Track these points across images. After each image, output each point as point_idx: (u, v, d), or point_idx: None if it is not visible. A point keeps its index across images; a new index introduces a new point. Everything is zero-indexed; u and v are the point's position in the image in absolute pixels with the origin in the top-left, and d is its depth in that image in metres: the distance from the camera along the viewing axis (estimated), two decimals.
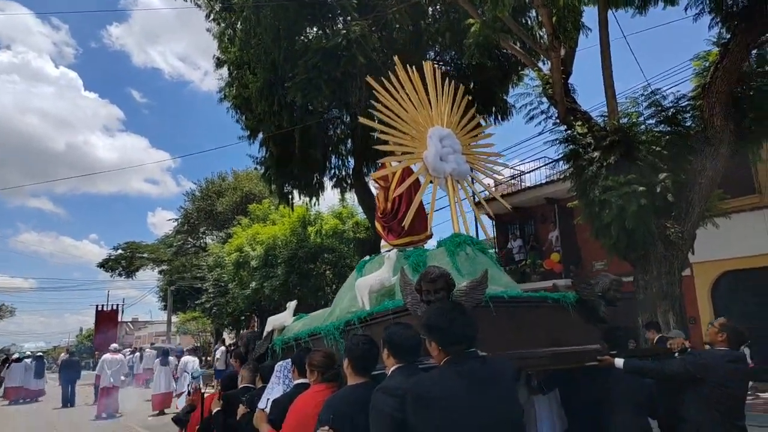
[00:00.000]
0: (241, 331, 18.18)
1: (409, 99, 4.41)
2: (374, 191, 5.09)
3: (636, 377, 3.24)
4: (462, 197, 4.37)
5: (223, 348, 15.57)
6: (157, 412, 12.12)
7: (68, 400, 15.13)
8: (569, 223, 13.24)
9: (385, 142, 4.27)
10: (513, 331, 2.90)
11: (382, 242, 4.44)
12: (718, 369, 3.22)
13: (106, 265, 33.45)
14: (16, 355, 19.88)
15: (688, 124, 7.91)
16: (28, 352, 19.99)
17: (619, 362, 3.19)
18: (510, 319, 2.92)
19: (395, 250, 3.97)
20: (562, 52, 8.64)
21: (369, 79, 4.57)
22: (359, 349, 2.50)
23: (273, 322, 4.77)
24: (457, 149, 4.28)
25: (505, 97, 14.20)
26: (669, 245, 7.36)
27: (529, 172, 15.59)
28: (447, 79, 4.95)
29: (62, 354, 20.93)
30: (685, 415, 3.27)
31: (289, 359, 3.43)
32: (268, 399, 3.29)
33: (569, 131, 8.11)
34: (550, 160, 13.60)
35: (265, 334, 4.79)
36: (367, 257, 4.40)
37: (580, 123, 7.86)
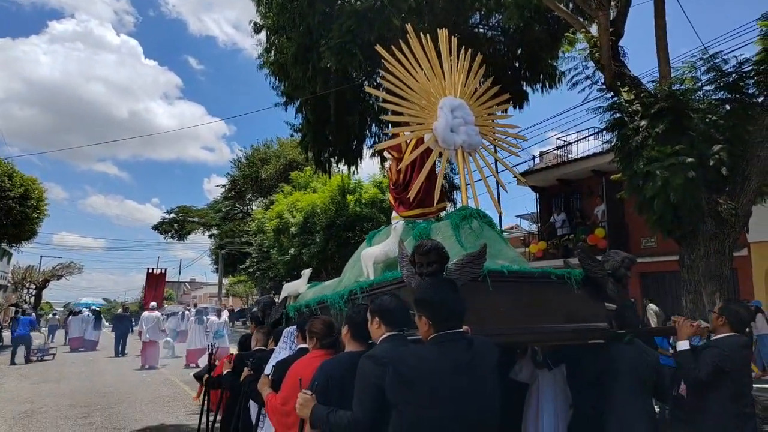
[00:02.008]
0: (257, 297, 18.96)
1: (421, 68, 4.30)
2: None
3: (642, 355, 3.13)
4: (475, 168, 4.23)
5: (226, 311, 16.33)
6: (192, 365, 13.00)
7: (119, 351, 16.60)
8: (617, 197, 12.62)
9: (395, 113, 4.18)
10: (512, 307, 2.84)
11: (393, 214, 4.43)
12: (737, 358, 3.06)
13: (160, 227, 35.23)
14: (77, 310, 21.73)
15: (750, 91, 7.20)
16: (86, 309, 21.72)
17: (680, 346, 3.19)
18: (509, 295, 2.85)
19: (402, 221, 3.95)
20: (613, 12, 8.00)
21: (378, 47, 4.47)
22: (359, 317, 2.53)
23: (288, 288, 4.90)
24: (469, 120, 4.14)
25: (554, 63, 13.47)
26: (720, 222, 6.81)
27: (574, 142, 14.86)
28: (464, 47, 4.79)
29: (118, 309, 22.56)
30: (705, 406, 3.12)
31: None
32: (274, 361, 3.42)
33: (615, 98, 7.57)
34: (596, 130, 12.87)
35: (280, 300, 4.88)
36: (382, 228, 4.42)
37: (626, 89, 7.30)
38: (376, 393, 2.06)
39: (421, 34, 4.68)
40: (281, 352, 3.54)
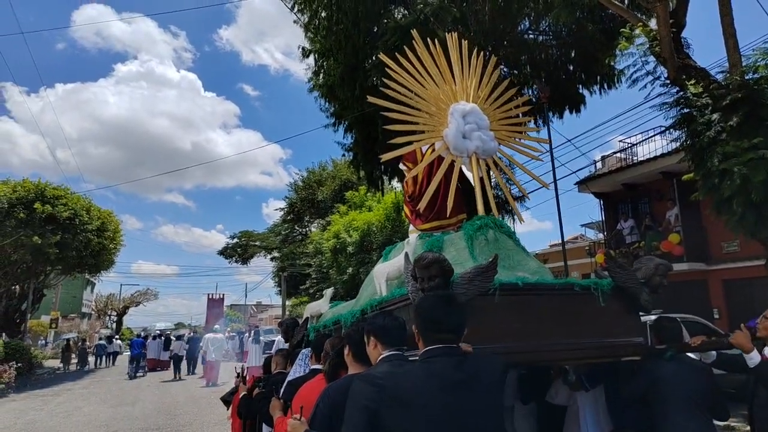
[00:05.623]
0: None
1: (429, 75, 4.17)
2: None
3: (690, 372, 2.86)
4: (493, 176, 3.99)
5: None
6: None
7: (190, 370, 18.13)
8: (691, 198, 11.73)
9: (400, 122, 4.05)
10: (529, 322, 2.63)
11: (410, 227, 4.27)
12: None
13: (225, 252, 36.58)
14: (153, 334, 23.56)
15: None
16: (158, 332, 23.43)
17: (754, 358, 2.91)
18: (527, 309, 2.65)
19: (416, 235, 3.79)
20: (673, 2, 7.51)
21: (382, 56, 4.40)
22: (358, 336, 2.39)
23: (310, 309, 4.82)
24: (483, 125, 3.95)
25: (611, 63, 12.87)
26: None
27: (639, 143, 14.02)
28: (476, 50, 4.64)
29: (188, 332, 23.95)
30: None
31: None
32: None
33: (681, 92, 7.05)
34: (661, 129, 12.08)
35: (302, 320, 4.80)
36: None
37: (693, 82, 6.78)
38: (368, 416, 1.90)
39: (428, 39, 4.55)
40: (295, 372, 3.51)
